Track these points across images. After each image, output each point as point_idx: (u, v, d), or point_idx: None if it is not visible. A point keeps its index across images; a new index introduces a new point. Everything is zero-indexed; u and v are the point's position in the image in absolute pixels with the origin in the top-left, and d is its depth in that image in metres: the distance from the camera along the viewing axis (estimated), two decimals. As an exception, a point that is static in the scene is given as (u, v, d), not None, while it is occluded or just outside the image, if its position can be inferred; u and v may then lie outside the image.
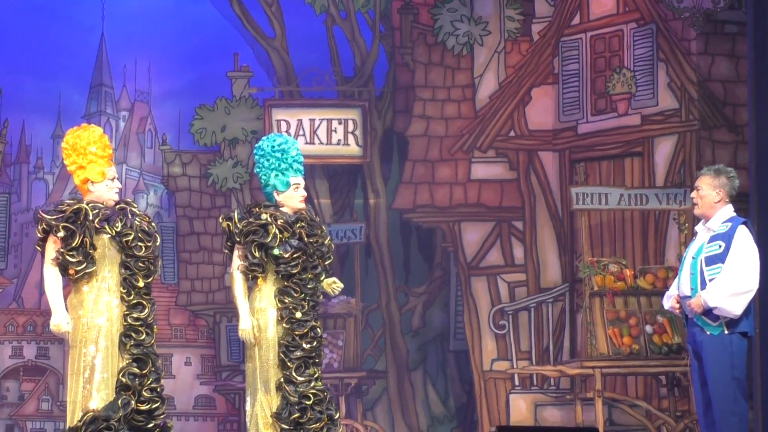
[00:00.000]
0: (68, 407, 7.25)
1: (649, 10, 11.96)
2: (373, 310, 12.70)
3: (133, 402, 7.15)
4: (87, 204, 7.27)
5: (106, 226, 7.23)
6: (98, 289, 7.24)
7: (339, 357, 12.47)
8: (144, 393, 7.21)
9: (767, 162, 10.49)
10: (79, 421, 7.12)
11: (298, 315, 7.43)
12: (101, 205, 7.30)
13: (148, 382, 7.24)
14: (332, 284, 7.66)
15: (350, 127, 12.87)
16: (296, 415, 7.35)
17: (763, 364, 10.25)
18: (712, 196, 7.64)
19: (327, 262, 7.66)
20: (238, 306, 7.48)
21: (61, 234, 7.18)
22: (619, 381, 11.54)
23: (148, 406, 7.21)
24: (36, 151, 13.26)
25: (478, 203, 12.41)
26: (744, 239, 7.49)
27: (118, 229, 7.24)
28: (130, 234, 7.25)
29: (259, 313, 7.48)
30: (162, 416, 7.30)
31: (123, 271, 7.26)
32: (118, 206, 7.35)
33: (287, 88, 13.07)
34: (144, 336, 7.26)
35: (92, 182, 7.34)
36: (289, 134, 12.66)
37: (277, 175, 7.56)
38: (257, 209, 7.53)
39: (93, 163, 7.32)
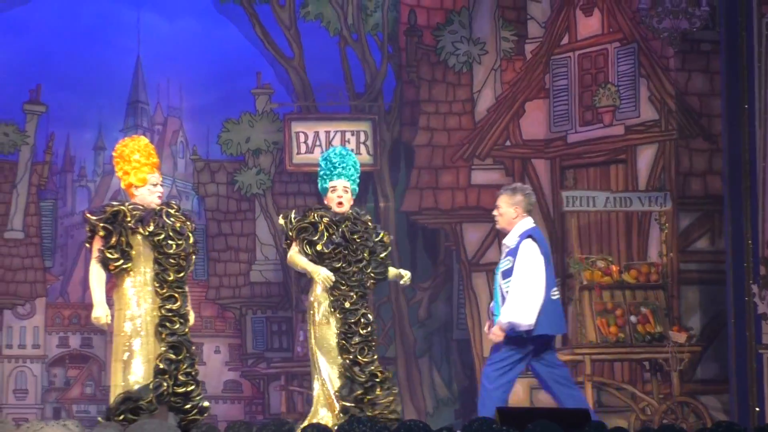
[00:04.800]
0: (111, 390, 7.21)
1: (632, 31, 11.84)
2: (383, 303, 12.59)
3: (164, 385, 7.03)
4: (127, 206, 7.18)
5: (140, 227, 7.14)
6: (135, 284, 7.16)
7: (354, 345, 12.34)
8: (180, 377, 7.11)
9: (739, 168, 10.35)
10: (114, 401, 7.04)
11: (347, 305, 7.38)
12: (141, 207, 7.21)
13: (184, 366, 7.14)
14: (402, 276, 7.62)
15: (362, 138, 12.78)
16: (359, 392, 7.27)
17: (738, 356, 10.13)
18: (510, 213, 7.50)
19: (382, 255, 7.55)
20: (305, 266, 7.40)
21: (102, 233, 7.11)
22: (606, 366, 11.38)
23: (184, 389, 7.11)
24: (79, 161, 13.19)
25: (477, 206, 12.28)
26: (525, 254, 7.34)
27: (151, 230, 7.14)
28: (161, 234, 7.15)
29: (315, 304, 7.44)
30: (198, 397, 7.20)
31: (156, 267, 7.17)
32: (157, 208, 7.27)
33: (305, 104, 12.99)
34: (178, 325, 7.16)
35: (135, 187, 7.26)
36: (306, 145, 12.61)
37: (320, 182, 7.59)
38: (309, 211, 7.51)
39: (136, 170, 7.26)
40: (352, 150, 12.42)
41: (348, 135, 12.73)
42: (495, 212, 7.60)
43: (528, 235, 7.38)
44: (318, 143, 12.65)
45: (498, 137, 12.33)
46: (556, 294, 7.42)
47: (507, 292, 7.38)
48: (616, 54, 11.95)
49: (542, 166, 12.25)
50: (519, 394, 11.64)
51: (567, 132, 12.14)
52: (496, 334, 7.39)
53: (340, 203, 7.51)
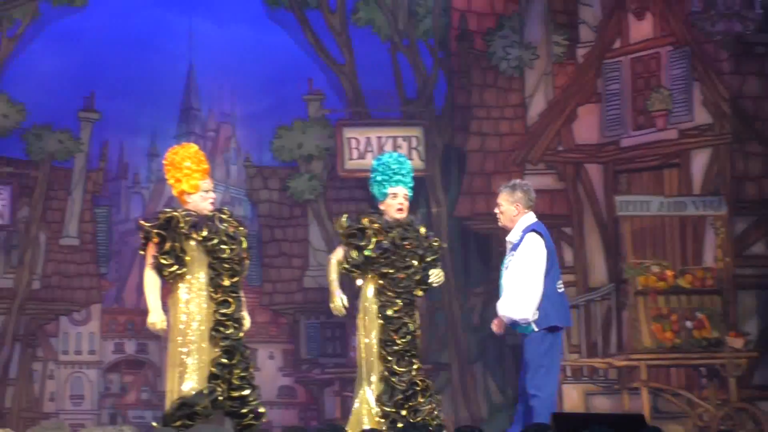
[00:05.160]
0: (167, 396, 7.14)
1: (684, 34, 11.70)
2: (437, 309, 12.52)
3: (218, 390, 7.00)
4: (180, 212, 7.17)
5: (194, 232, 7.12)
6: (190, 289, 7.13)
7: (407, 351, 12.28)
8: (234, 381, 7.08)
9: (795, 171, 10.24)
10: (170, 407, 7.02)
11: (389, 312, 7.24)
12: (193, 214, 7.19)
13: (238, 371, 7.10)
14: (428, 276, 7.43)
15: (414, 144, 12.72)
16: (399, 397, 7.15)
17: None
18: (510, 211, 7.35)
19: (429, 259, 7.42)
20: (330, 282, 7.31)
21: (156, 240, 7.09)
22: (662, 372, 11.24)
23: (239, 393, 7.08)
24: (133, 167, 13.24)
25: (531, 211, 12.20)
26: (527, 247, 7.16)
27: (204, 235, 7.13)
28: (215, 239, 7.12)
29: (365, 310, 7.32)
30: (254, 402, 7.15)
31: (210, 272, 7.14)
32: (210, 214, 7.25)
33: (356, 109, 12.95)
34: (231, 330, 7.11)
35: (187, 193, 7.23)
36: (358, 150, 12.58)
37: (377, 187, 7.43)
38: (362, 216, 7.40)
39: (188, 177, 7.22)
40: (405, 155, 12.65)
41: (399, 140, 12.69)
42: (496, 210, 7.51)
43: (531, 229, 7.28)
44: (370, 149, 12.61)
45: (550, 142, 12.23)
46: (561, 287, 7.32)
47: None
48: (669, 58, 11.83)
49: (595, 171, 12.14)
50: (574, 400, 11.55)
51: (620, 136, 12.03)
52: (496, 325, 7.30)
53: (401, 209, 7.42)
